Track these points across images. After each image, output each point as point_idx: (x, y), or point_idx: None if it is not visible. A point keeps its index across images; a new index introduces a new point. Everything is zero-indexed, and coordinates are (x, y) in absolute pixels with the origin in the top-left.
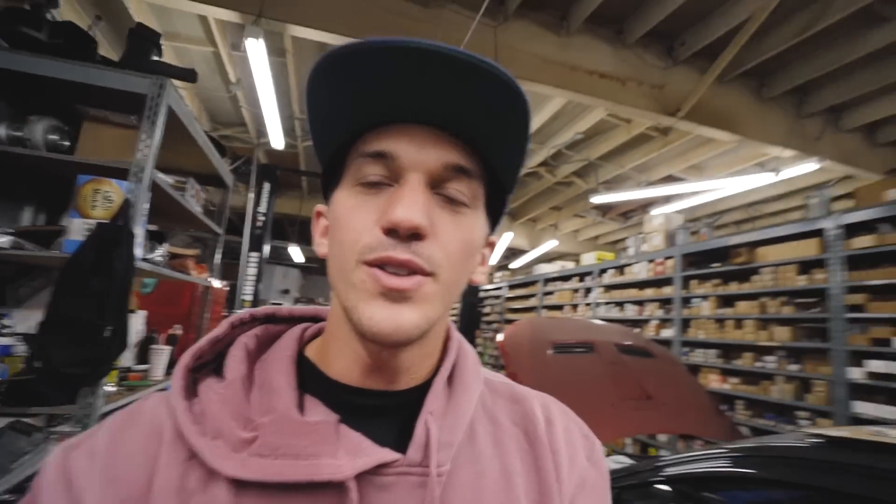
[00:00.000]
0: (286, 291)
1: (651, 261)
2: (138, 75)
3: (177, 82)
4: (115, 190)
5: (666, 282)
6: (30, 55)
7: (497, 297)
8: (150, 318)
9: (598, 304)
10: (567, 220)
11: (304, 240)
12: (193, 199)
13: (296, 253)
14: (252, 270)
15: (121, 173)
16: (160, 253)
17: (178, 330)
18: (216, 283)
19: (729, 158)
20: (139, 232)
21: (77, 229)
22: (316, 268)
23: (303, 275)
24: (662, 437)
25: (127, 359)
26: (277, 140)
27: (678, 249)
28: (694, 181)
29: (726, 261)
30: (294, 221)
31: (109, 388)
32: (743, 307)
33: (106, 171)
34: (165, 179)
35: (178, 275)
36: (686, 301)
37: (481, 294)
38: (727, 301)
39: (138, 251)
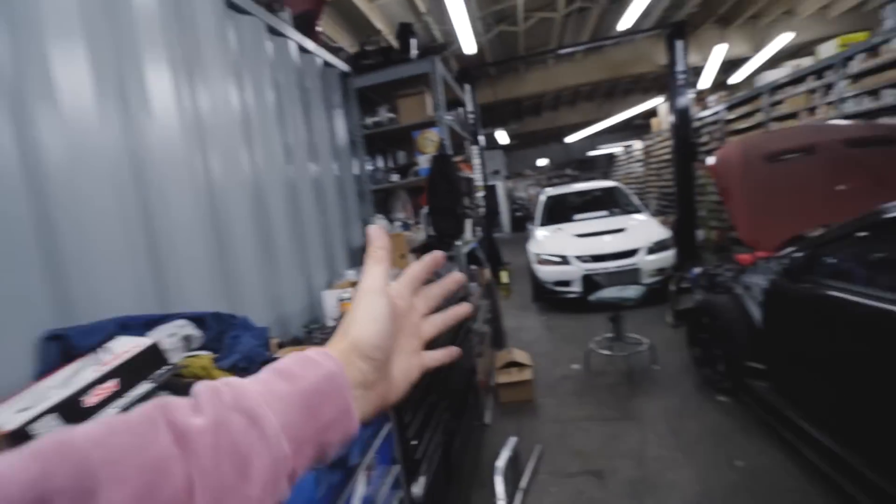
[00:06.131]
0: (496, 172)
1: None
2: (420, 61)
3: None
4: (432, 134)
5: None
6: (369, 74)
7: (715, 122)
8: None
9: (843, 100)
10: None
11: (501, 121)
12: (458, 124)
13: (501, 136)
14: (477, 161)
15: (430, 124)
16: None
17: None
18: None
19: None
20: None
21: (423, 161)
22: (516, 144)
23: (505, 153)
24: None
25: None
26: (469, 44)
27: None
28: None
29: None
30: (489, 108)
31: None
32: None
33: (421, 125)
34: (451, 120)
35: (465, 173)
36: None
37: (696, 124)
38: None
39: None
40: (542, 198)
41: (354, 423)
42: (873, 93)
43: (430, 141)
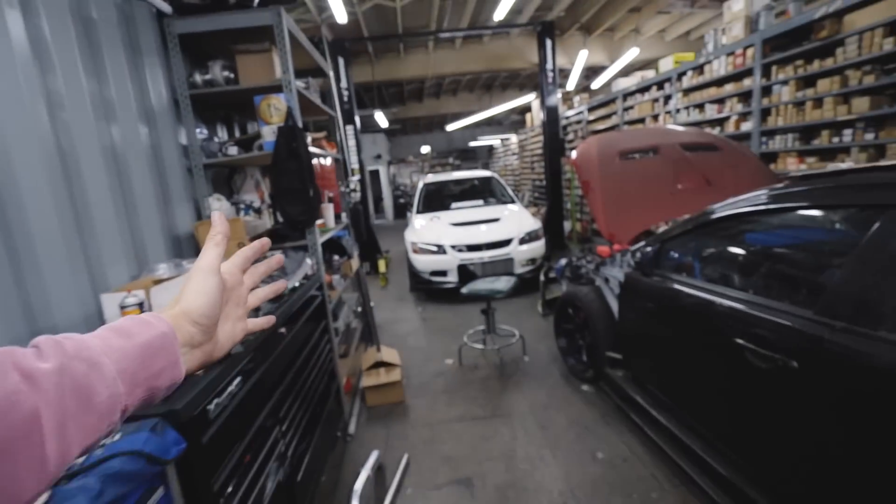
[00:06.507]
0: (378, 156)
1: (730, 53)
2: (262, 11)
3: None
4: (278, 101)
5: (746, 74)
6: (195, 18)
7: (579, 121)
8: None
9: (678, 111)
10: (650, 20)
11: (381, 103)
12: (315, 92)
13: (380, 118)
14: (351, 142)
15: (276, 88)
16: (310, 139)
17: (331, 193)
18: (331, 159)
19: None
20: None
21: (268, 133)
22: (400, 129)
23: (388, 138)
24: None
25: None
26: (340, 12)
27: (758, 36)
28: None
29: (809, 38)
30: (369, 88)
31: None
32: (824, 85)
33: (267, 89)
34: (300, 84)
35: (323, 151)
36: (766, 90)
37: (563, 122)
38: (808, 83)
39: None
40: (420, 185)
41: (181, 372)
42: (700, 106)
43: (274, 109)
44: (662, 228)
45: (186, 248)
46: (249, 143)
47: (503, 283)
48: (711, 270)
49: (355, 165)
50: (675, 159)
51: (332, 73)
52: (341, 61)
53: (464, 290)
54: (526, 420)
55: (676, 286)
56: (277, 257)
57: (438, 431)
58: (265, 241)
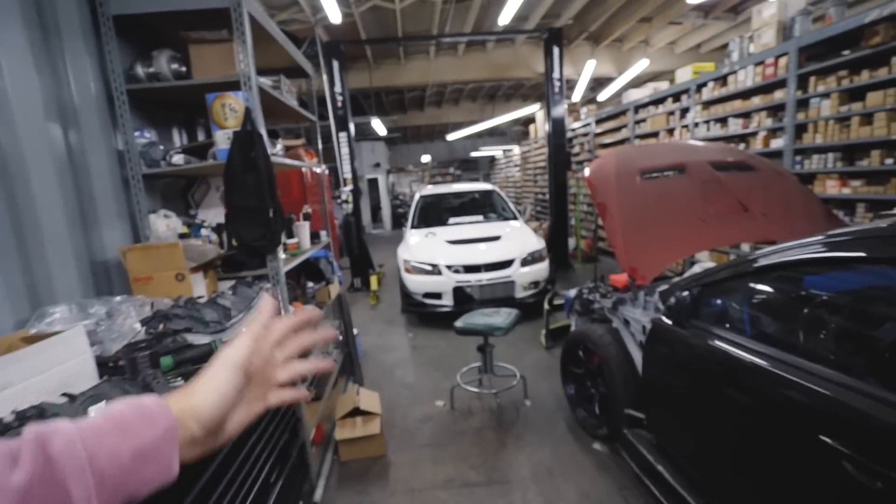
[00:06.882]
0: (377, 165)
1: (759, 63)
2: None
3: None
4: (235, 101)
5: (777, 85)
6: None
7: (585, 133)
8: None
9: (696, 125)
10: (660, 31)
11: (381, 111)
12: (289, 93)
13: (378, 125)
14: (345, 150)
15: (234, 85)
16: (279, 148)
17: (308, 209)
18: (317, 169)
19: None
20: (264, 132)
21: (221, 139)
22: (400, 137)
23: (388, 146)
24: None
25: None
26: (333, 12)
27: (794, 43)
28: None
29: (857, 46)
30: (368, 94)
31: (281, 255)
32: (875, 99)
33: (224, 86)
34: (265, 82)
35: (297, 162)
36: (802, 104)
37: (569, 134)
38: (854, 96)
39: (269, 149)
40: (417, 197)
41: (172, 475)
42: (722, 120)
43: (230, 110)
44: (697, 266)
45: (117, 278)
46: (203, 151)
47: (503, 318)
48: (774, 329)
49: (348, 175)
50: (704, 180)
51: (325, 77)
52: (336, 64)
53: (457, 323)
54: (528, 490)
55: (723, 345)
56: (330, 332)
57: (421, 502)
58: (315, 312)
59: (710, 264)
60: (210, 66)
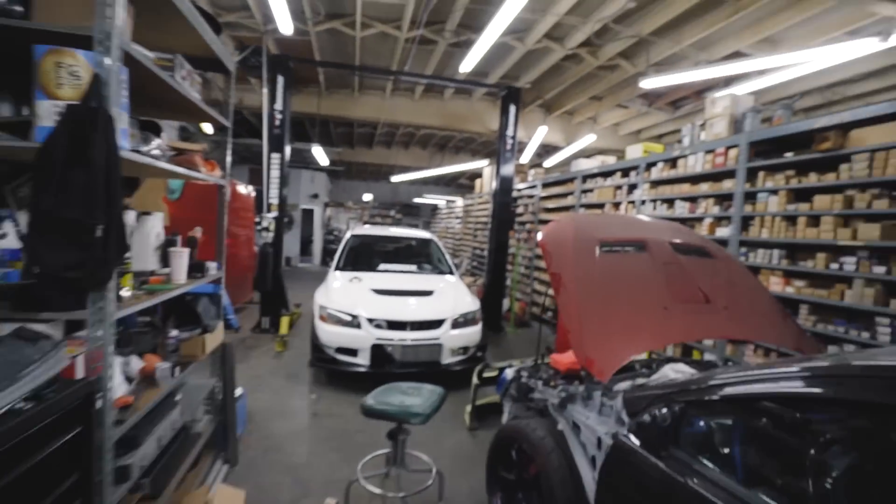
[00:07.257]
0: (315, 196)
1: (710, 151)
2: None
3: None
4: (80, 63)
5: (727, 175)
6: None
7: (531, 195)
8: (180, 225)
9: (643, 202)
10: (608, 111)
11: (327, 141)
12: (187, 82)
13: (320, 154)
14: (275, 173)
15: (84, 42)
16: (157, 145)
17: (197, 233)
18: (242, 189)
19: (814, 27)
20: (120, 116)
21: (46, 113)
22: (343, 171)
23: (330, 179)
24: (708, 342)
25: (149, 262)
26: (285, 23)
27: (745, 137)
28: (766, 56)
29: (806, 148)
30: (314, 121)
31: (125, 292)
32: (822, 202)
33: (66, 39)
34: (144, 53)
35: (180, 170)
36: (749, 196)
37: (514, 194)
38: (801, 196)
39: (123, 140)
40: (347, 235)
41: None
42: (669, 201)
43: (68, 74)
44: (668, 367)
45: None
46: (26, 129)
47: (423, 401)
48: (790, 481)
49: (274, 200)
50: (665, 261)
51: (266, 91)
52: (281, 80)
53: (367, 400)
54: None
55: (717, 491)
56: None
57: None
58: None
59: (683, 366)
60: (64, 11)
